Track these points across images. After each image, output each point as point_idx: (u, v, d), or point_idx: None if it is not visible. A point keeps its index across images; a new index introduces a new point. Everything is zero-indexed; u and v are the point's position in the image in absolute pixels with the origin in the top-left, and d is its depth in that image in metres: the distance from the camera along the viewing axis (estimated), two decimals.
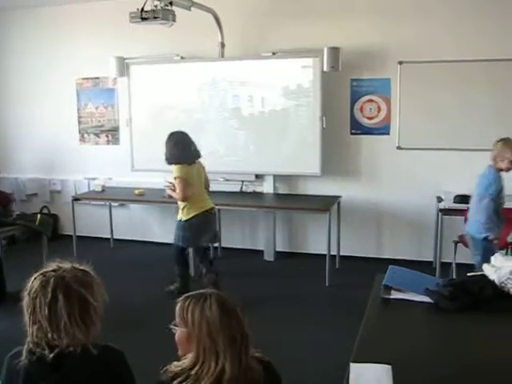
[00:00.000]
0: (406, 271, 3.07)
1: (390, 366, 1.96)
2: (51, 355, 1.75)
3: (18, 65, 7.61)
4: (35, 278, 1.80)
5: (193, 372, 1.72)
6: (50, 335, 1.75)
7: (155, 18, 5.01)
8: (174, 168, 5.01)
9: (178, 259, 5.37)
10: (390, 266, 3.03)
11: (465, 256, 5.26)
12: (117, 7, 6.53)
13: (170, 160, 5.07)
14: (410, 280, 2.92)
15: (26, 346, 1.80)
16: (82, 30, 7.15)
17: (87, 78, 7.33)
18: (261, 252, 6.69)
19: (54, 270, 1.81)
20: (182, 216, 5.15)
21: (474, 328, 2.46)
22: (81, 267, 1.87)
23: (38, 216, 5.44)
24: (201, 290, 1.88)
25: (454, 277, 5.07)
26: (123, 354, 1.95)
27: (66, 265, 1.85)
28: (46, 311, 1.73)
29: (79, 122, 7.48)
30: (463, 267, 4.96)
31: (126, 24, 5.25)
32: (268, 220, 6.59)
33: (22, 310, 1.81)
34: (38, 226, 5.28)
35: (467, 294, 2.63)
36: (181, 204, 5.13)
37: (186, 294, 1.87)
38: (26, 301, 1.78)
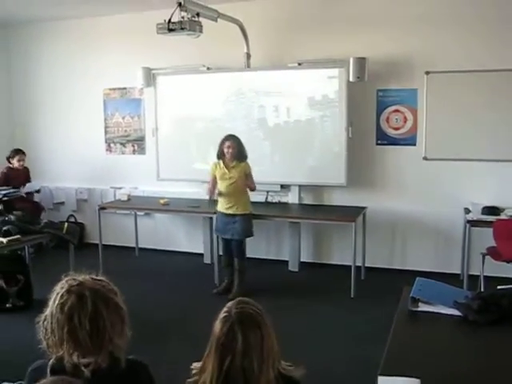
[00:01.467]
0: (434, 283, 3.02)
1: (418, 380, 1.93)
2: (87, 371, 1.71)
3: (47, 75, 7.74)
4: (64, 294, 1.74)
5: None
6: (86, 350, 1.72)
7: (182, 29, 5.03)
8: (246, 164, 5.59)
9: (244, 252, 5.80)
10: (418, 278, 2.99)
11: (493, 269, 5.19)
12: (144, 19, 6.60)
13: (245, 156, 5.60)
14: (438, 292, 2.88)
15: (50, 362, 1.77)
16: (110, 41, 7.26)
17: (114, 89, 7.43)
18: (285, 262, 6.66)
19: (78, 284, 1.77)
20: (247, 208, 5.67)
21: (504, 342, 2.41)
22: (99, 277, 1.84)
23: (66, 224, 5.50)
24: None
25: (483, 290, 4.98)
26: (148, 367, 1.91)
27: (85, 276, 1.81)
28: (88, 326, 1.68)
29: (106, 132, 7.57)
30: (491, 280, 4.89)
31: (152, 35, 5.29)
32: (293, 230, 6.56)
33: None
34: (65, 235, 5.34)
35: (497, 307, 2.58)
36: (239, 198, 5.61)
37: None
38: (57, 319, 1.71)
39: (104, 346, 1.73)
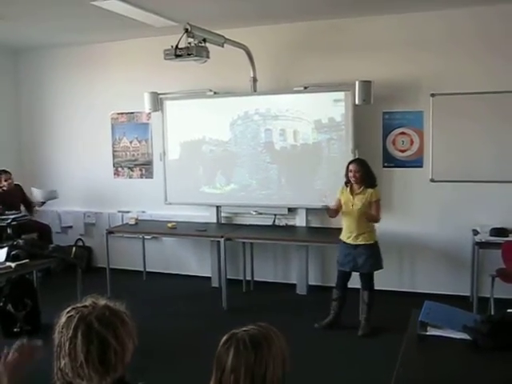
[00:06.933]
0: (443, 307, 3.00)
1: None
2: None
3: (55, 100, 7.84)
4: (66, 313, 1.77)
5: None
6: (71, 373, 1.72)
7: (189, 54, 5.09)
8: (375, 191, 5.15)
9: (373, 285, 5.37)
10: (426, 302, 2.97)
11: (503, 291, 5.15)
12: (151, 45, 6.69)
13: (373, 182, 5.19)
14: (447, 316, 2.85)
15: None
16: (118, 66, 7.35)
17: (122, 113, 7.49)
18: (293, 286, 6.64)
19: (84, 306, 1.77)
20: (372, 238, 5.22)
21: None
22: (113, 306, 1.82)
23: (74, 249, 5.52)
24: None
25: (493, 313, 4.94)
26: None
27: (101, 301, 1.81)
28: (67, 348, 1.68)
29: (114, 156, 7.62)
30: (501, 302, 4.85)
31: (159, 60, 5.35)
32: (301, 253, 6.55)
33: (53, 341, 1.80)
34: (73, 259, 5.37)
35: (507, 331, 2.55)
36: (363, 228, 5.17)
37: None
38: (55, 334, 1.74)
39: (81, 372, 1.69)
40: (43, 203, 7.19)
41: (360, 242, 5.17)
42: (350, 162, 5.26)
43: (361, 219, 5.14)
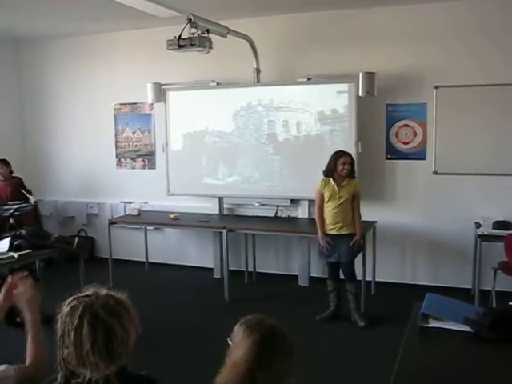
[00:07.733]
0: (445, 299, 3.00)
1: None
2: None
3: (58, 90, 7.82)
4: (68, 302, 1.78)
5: None
6: (75, 362, 1.73)
7: (192, 45, 5.08)
8: (358, 182, 5.29)
9: (355, 274, 5.39)
10: (428, 294, 2.97)
11: (505, 284, 5.15)
12: (154, 35, 6.66)
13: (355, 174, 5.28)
14: (449, 308, 2.86)
15: (60, 374, 1.77)
16: (121, 56, 7.33)
17: (125, 104, 7.48)
18: (295, 277, 6.65)
19: (87, 296, 1.77)
20: (354, 228, 5.26)
21: None
22: (116, 295, 1.81)
23: (76, 239, 5.53)
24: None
25: (494, 305, 4.94)
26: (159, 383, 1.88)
27: (102, 291, 1.82)
28: (72, 337, 1.69)
29: (116, 147, 7.62)
30: (503, 295, 4.85)
31: (162, 51, 5.33)
32: (303, 245, 6.55)
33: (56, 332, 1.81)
34: (75, 249, 5.38)
35: (509, 323, 2.55)
36: (346, 218, 5.21)
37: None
38: (58, 324, 1.75)
39: (86, 360, 1.70)
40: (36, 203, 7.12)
41: (344, 231, 5.20)
42: (340, 155, 5.18)
43: (346, 210, 5.18)
